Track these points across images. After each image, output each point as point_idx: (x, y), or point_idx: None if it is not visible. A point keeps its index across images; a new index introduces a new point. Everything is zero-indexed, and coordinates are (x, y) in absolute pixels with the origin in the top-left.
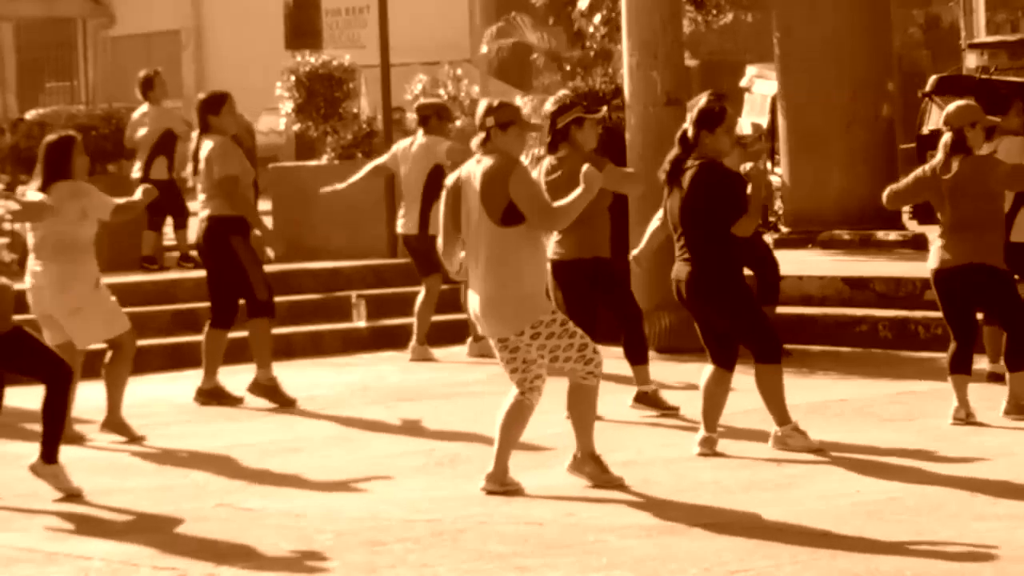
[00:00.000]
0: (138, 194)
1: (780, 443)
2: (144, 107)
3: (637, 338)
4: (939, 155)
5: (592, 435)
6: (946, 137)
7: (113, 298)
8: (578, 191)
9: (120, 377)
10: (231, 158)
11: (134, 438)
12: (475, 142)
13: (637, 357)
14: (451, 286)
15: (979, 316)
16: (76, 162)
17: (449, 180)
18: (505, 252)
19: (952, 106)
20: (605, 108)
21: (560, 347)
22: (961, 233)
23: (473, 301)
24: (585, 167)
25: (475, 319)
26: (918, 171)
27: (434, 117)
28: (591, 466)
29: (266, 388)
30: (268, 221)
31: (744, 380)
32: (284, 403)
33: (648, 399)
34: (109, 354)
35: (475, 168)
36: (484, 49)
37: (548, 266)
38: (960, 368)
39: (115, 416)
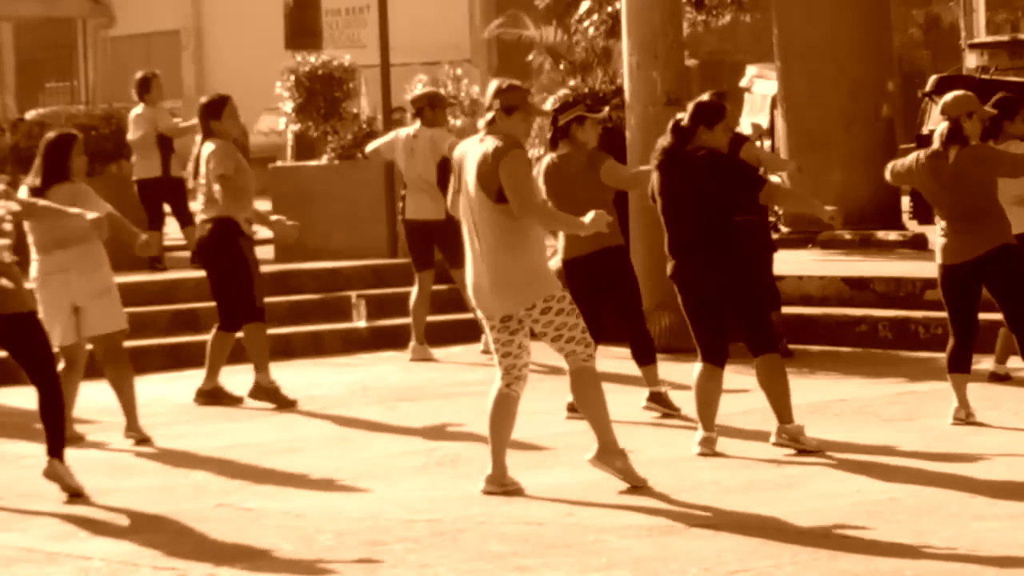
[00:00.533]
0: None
1: (794, 439)
2: (139, 108)
3: (644, 339)
4: (935, 144)
5: (611, 425)
6: (942, 127)
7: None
8: (577, 219)
9: (126, 380)
10: (225, 159)
11: (144, 439)
12: (481, 122)
13: (645, 358)
14: (450, 286)
15: (986, 316)
16: (75, 162)
17: (456, 153)
18: (509, 228)
19: (949, 96)
20: (607, 108)
21: (567, 325)
22: (966, 224)
23: (478, 281)
24: (593, 213)
25: (477, 299)
26: (914, 155)
27: (427, 107)
28: (622, 461)
29: (267, 391)
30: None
31: (743, 380)
32: (285, 405)
33: (662, 399)
34: (106, 363)
35: (476, 148)
36: (486, 35)
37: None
38: (959, 367)
39: (132, 420)
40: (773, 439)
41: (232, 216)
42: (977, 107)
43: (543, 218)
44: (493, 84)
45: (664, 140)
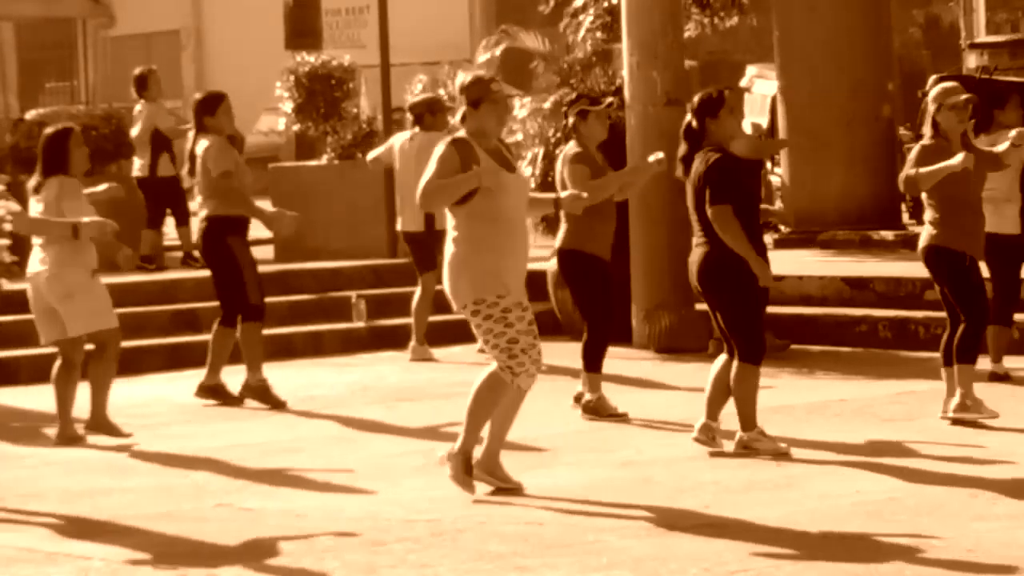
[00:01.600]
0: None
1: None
2: (139, 105)
3: (598, 345)
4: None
5: (478, 438)
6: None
7: (107, 296)
8: (454, 181)
9: (103, 377)
10: (224, 156)
11: (121, 435)
12: (455, 120)
13: (592, 365)
14: None
15: None
16: (74, 154)
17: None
18: (459, 227)
19: (937, 88)
20: (610, 99)
21: (492, 332)
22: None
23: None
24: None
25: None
26: (920, 146)
27: (427, 113)
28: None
29: (256, 390)
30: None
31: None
32: (275, 405)
33: (589, 406)
34: (93, 351)
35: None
36: (482, 58)
37: (555, 256)
38: (952, 360)
39: (99, 416)
40: (695, 434)
41: (227, 214)
42: (947, 100)
43: (425, 197)
44: (459, 79)
45: (680, 149)
